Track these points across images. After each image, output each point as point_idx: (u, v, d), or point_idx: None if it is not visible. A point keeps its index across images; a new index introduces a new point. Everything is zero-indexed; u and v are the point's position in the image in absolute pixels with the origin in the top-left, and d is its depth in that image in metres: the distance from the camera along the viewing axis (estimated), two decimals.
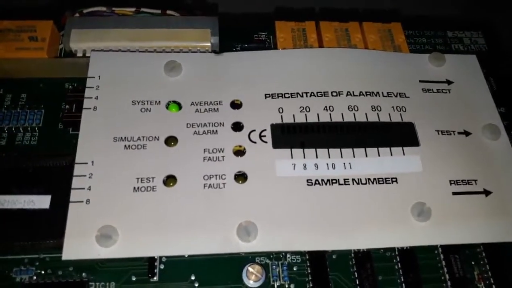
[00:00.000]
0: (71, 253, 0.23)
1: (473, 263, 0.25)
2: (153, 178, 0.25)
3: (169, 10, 0.32)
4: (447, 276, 0.24)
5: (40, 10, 0.32)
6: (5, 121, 0.28)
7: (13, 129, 0.27)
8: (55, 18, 0.31)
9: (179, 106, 0.27)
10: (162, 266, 0.24)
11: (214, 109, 0.27)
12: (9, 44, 0.29)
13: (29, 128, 0.27)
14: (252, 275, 0.23)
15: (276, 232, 0.24)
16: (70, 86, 0.29)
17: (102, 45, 0.30)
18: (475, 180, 0.26)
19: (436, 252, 0.25)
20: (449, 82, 0.29)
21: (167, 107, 0.27)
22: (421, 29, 0.33)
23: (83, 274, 0.24)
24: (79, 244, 0.23)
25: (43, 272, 0.23)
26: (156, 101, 0.27)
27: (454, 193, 0.25)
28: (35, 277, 0.23)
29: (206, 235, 0.24)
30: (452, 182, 0.26)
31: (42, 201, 0.24)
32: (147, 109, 0.27)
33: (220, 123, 0.27)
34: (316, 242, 0.24)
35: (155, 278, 0.24)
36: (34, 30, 0.30)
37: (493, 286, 0.24)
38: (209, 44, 0.30)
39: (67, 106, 0.28)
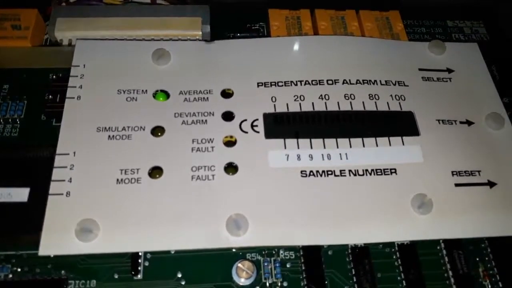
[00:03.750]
0: (49, 249, 0.21)
1: (477, 259, 0.24)
2: (137, 169, 0.23)
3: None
4: (450, 273, 0.23)
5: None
6: None
7: None
8: (41, 8, 0.30)
9: (167, 95, 0.26)
10: (146, 263, 0.23)
11: (203, 98, 0.26)
12: None
13: (10, 120, 0.26)
14: (242, 272, 0.22)
15: (268, 226, 0.22)
16: (54, 76, 0.28)
17: (88, 34, 0.29)
18: (479, 171, 0.25)
19: (438, 247, 0.24)
20: (449, 71, 0.28)
21: (154, 96, 0.26)
22: (420, 19, 0.32)
23: (62, 271, 0.22)
24: (57, 239, 0.22)
25: (19, 269, 0.22)
26: (142, 90, 0.26)
27: (456, 185, 0.24)
28: (11, 275, 0.22)
29: (193, 229, 0.22)
30: (455, 173, 0.24)
31: (20, 194, 0.23)
32: (133, 98, 0.26)
33: (210, 112, 0.26)
34: (310, 236, 0.22)
35: (139, 275, 0.22)
36: (17, 19, 0.29)
37: (499, 283, 0.23)
38: (199, 32, 0.29)
39: (50, 96, 0.27)
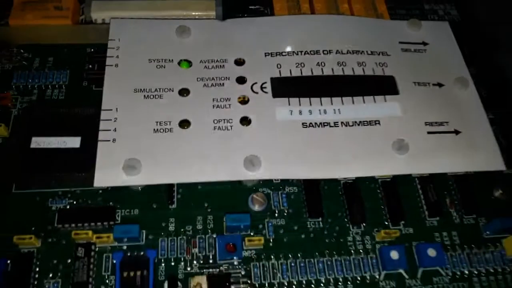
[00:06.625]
0: (102, 181, 0.27)
1: (445, 192, 0.29)
2: (169, 121, 0.29)
3: None
4: (423, 201, 0.28)
5: None
6: (35, 80, 0.31)
7: (43, 86, 0.31)
8: None
9: (190, 64, 0.31)
10: (179, 196, 0.28)
11: (220, 65, 0.31)
12: (36, 13, 0.33)
13: (56, 86, 0.31)
14: (256, 201, 0.27)
15: (276, 164, 0.28)
16: (92, 50, 0.33)
17: (120, 15, 0.34)
18: (447, 122, 0.30)
19: (414, 184, 0.29)
20: (425, 44, 0.34)
21: (179, 64, 0.31)
22: (401, 2, 0.38)
23: (110, 203, 0.27)
24: (108, 174, 0.27)
25: (75, 202, 0.27)
26: (169, 59, 0.31)
27: (429, 132, 0.29)
28: (68, 207, 0.27)
29: (217, 166, 0.27)
30: (427, 123, 0.30)
31: (73, 142, 0.28)
32: (161, 66, 0.31)
33: (226, 77, 0.31)
34: (309, 172, 0.28)
35: (173, 205, 0.27)
36: (59, 1, 0.34)
37: (462, 210, 0.28)
38: (214, 13, 0.34)
39: (89, 66, 0.32)
